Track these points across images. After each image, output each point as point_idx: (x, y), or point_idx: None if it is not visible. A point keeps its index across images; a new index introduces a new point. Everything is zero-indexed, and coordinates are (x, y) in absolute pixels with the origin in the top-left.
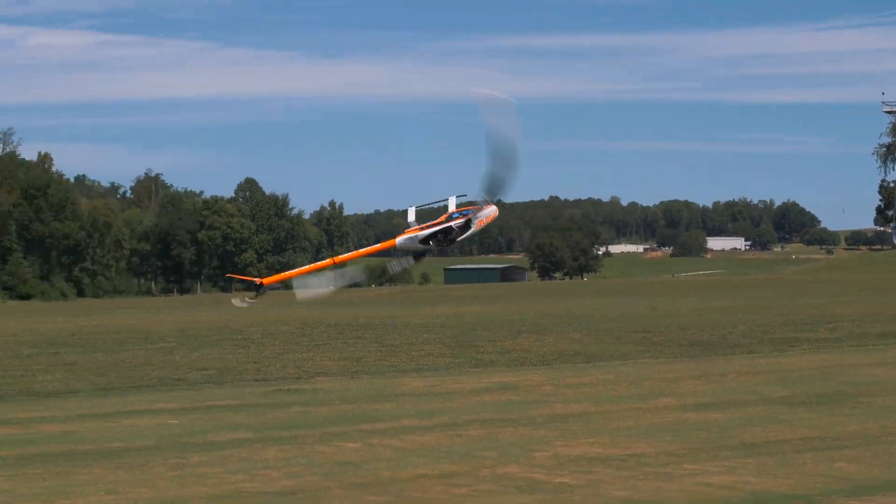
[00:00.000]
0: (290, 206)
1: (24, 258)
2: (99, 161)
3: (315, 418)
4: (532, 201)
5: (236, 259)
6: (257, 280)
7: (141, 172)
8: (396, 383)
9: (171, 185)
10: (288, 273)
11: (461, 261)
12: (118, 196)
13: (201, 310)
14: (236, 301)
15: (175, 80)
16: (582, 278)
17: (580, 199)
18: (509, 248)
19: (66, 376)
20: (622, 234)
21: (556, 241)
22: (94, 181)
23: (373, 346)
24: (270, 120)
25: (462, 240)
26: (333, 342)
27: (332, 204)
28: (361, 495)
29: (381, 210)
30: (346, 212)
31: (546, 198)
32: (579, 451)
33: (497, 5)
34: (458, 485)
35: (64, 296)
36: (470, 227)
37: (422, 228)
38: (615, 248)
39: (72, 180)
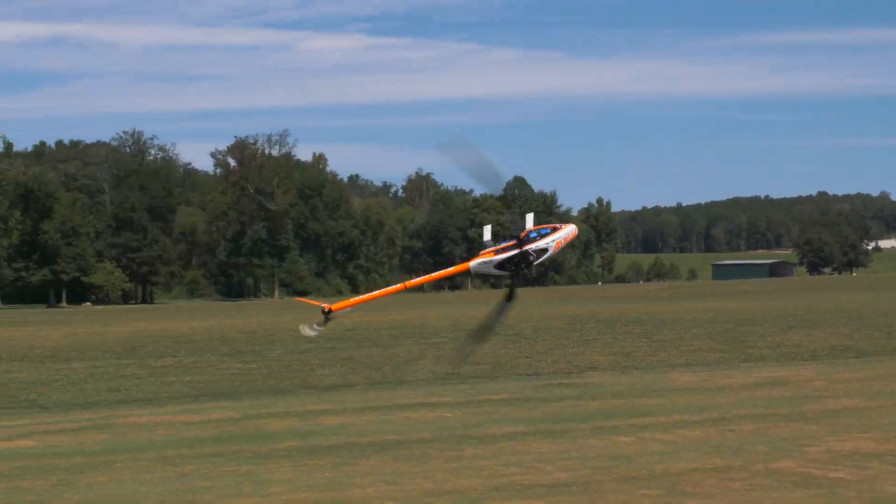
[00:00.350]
0: (558, 203)
1: (301, 256)
2: (371, 161)
3: (587, 412)
4: (800, 196)
5: None
6: (325, 306)
7: (412, 171)
8: (666, 378)
9: (442, 184)
10: (357, 299)
11: (729, 256)
12: (390, 195)
13: (472, 305)
14: (305, 329)
15: (445, 80)
16: (851, 273)
17: (849, 194)
18: (777, 244)
19: (343, 370)
20: (893, 228)
21: (824, 236)
22: (366, 181)
23: (642, 342)
24: (537, 119)
25: (539, 263)
26: (603, 337)
27: (599, 201)
28: (634, 489)
29: (649, 206)
30: (613, 209)
31: (814, 193)
32: (852, 446)
33: (760, 1)
34: (732, 479)
35: (339, 292)
36: (546, 252)
37: (496, 252)
38: (885, 243)
39: (345, 180)
